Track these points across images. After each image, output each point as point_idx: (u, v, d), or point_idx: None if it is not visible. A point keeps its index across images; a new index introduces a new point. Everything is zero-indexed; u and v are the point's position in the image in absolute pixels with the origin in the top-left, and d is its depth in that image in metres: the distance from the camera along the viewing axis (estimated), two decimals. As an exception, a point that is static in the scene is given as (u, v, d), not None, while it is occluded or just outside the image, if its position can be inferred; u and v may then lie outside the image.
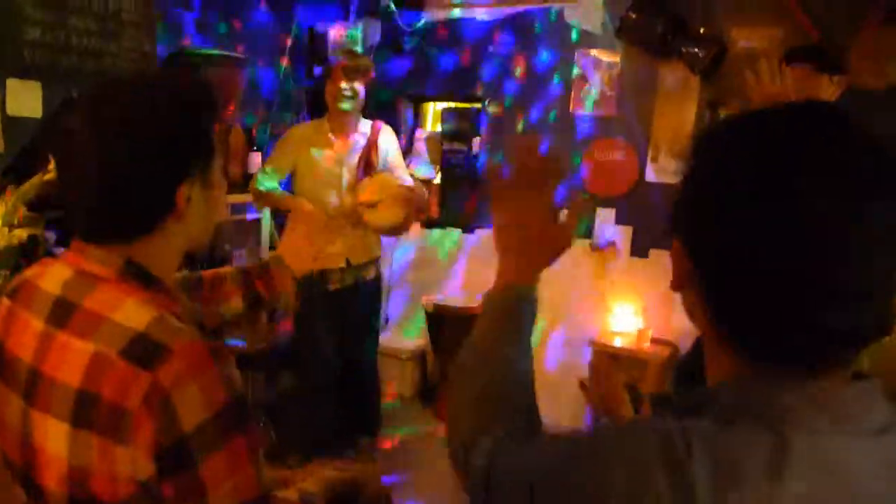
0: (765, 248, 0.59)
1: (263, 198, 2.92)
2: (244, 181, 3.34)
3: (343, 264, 2.90)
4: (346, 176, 2.89)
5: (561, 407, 3.72)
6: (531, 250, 0.92)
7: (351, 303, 2.95)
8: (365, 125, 2.95)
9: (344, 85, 2.79)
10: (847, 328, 0.59)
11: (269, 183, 2.85)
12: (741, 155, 0.63)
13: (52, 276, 0.94)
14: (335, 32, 3.76)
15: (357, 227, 2.90)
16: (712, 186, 0.64)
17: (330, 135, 2.88)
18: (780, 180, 0.59)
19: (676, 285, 0.70)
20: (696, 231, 0.66)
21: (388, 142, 3.02)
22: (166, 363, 0.83)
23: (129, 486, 0.84)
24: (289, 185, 2.98)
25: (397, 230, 2.98)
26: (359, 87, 2.82)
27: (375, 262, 3.05)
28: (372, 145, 2.95)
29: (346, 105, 2.82)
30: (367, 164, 2.94)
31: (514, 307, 0.91)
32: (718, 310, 0.65)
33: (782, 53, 2.25)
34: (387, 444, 3.32)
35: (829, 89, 2.22)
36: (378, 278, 3.08)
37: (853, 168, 0.59)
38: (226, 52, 3.16)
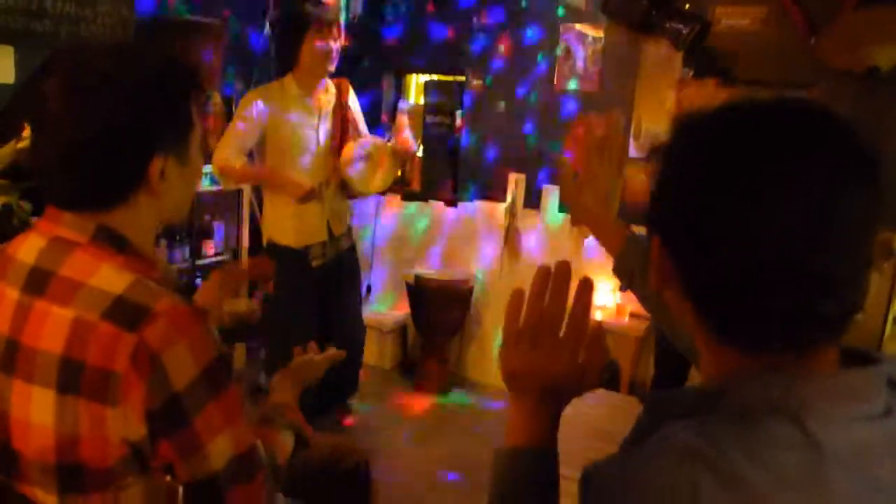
0: (746, 239, 0.59)
1: (235, 176, 2.69)
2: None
3: (325, 237, 2.81)
4: (323, 139, 2.74)
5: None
6: (551, 395, 0.77)
7: (334, 276, 2.88)
8: (329, 83, 2.78)
9: (332, 45, 2.60)
10: (837, 312, 0.60)
11: (238, 160, 2.59)
12: (718, 149, 0.62)
13: (26, 246, 0.93)
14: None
15: (339, 193, 2.83)
16: (689, 182, 0.64)
17: (300, 98, 2.67)
18: (758, 170, 0.59)
19: (658, 284, 0.69)
20: (674, 227, 0.66)
21: (354, 100, 2.90)
22: (151, 324, 0.84)
23: (121, 449, 0.85)
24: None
25: (378, 187, 2.91)
26: (338, 45, 2.64)
27: (349, 230, 2.99)
28: (344, 105, 2.81)
29: (332, 66, 2.64)
30: (344, 124, 2.80)
31: (531, 478, 0.76)
32: (703, 307, 0.65)
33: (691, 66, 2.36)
34: (366, 415, 3.35)
35: (719, 96, 2.39)
36: (353, 246, 3.02)
37: (831, 154, 0.59)
38: (205, 19, 3.09)
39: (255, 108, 2.61)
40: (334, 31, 2.61)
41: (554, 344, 0.77)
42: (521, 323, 0.80)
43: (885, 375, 0.63)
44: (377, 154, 2.78)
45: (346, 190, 2.85)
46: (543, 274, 0.82)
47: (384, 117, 4.13)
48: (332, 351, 1.47)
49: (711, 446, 0.58)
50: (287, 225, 2.75)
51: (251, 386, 3.37)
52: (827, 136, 0.60)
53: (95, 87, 0.88)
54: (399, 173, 2.89)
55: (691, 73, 2.45)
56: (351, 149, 2.75)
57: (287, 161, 2.69)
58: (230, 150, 2.59)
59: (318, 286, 2.84)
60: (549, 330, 0.78)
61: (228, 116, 3.36)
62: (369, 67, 4.01)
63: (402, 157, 2.90)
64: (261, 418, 1.19)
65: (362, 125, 2.93)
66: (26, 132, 2.37)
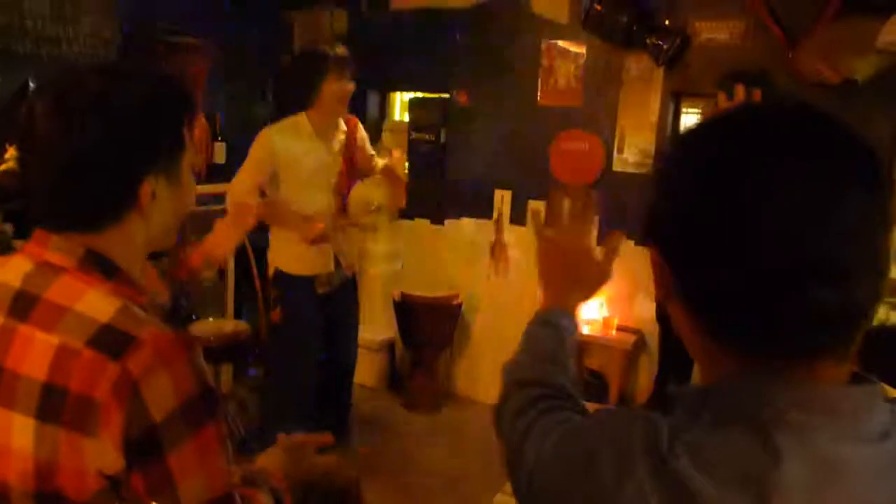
0: (741, 237, 0.58)
1: (252, 213, 2.65)
2: (208, 171, 3.30)
3: (332, 268, 2.84)
4: (334, 178, 2.79)
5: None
6: (571, 283, 0.99)
7: (339, 303, 2.90)
8: (341, 122, 2.82)
9: (350, 85, 2.66)
10: (837, 305, 0.57)
11: (254, 196, 2.65)
12: (715, 153, 0.62)
13: (11, 269, 0.92)
14: (299, 20, 3.72)
15: (347, 228, 2.87)
16: (685, 189, 0.63)
17: (313, 136, 2.72)
18: (756, 172, 0.58)
19: (662, 295, 0.68)
20: (668, 232, 0.66)
21: (364, 136, 2.96)
22: (135, 353, 0.82)
23: (98, 481, 0.83)
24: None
25: (391, 220, 2.98)
26: (352, 86, 2.70)
27: (355, 260, 3.02)
28: (353, 143, 2.87)
29: (346, 108, 2.70)
30: (352, 163, 2.86)
31: (552, 329, 0.94)
32: (701, 312, 0.64)
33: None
34: (355, 435, 3.32)
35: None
36: (356, 274, 3.05)
37: (831, 153, 0.58)
38: (189, 39, 3.09)
39: (268, 146, 2.66)
40: (349, 71, 2.66)
41: (573, 237, 1.02)
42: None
43: (880, 397, 0.61)
44: (388, 197, 2.85)
45: (352, 223, 2.90)
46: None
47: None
48: (321, 436, 1.43)
49: (666, 433, 0.59)
50: (294, 255, 2.78)
51: (234, 438, 3.33)
52: (827, 135, 0.60)
53: (87, 107, 0.88)
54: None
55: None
56: (361, 194, 2.81)
57: (298, 198, 2.72)
58: (245, 188, 2.65)
59: (323, 313, 2.86)
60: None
61: (213, 135, 3.37)
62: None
63: (400, 190, 2.95)
64: (244, 479, 1.14)
65: (371, 155, 2.98)
66: (9, 154, 2.35)
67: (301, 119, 2.71)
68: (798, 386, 0.59)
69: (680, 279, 0.64)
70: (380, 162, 2.99)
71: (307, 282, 2.79)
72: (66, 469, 0.83)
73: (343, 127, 2.83)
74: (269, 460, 1.28)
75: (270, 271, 2.89)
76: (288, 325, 2.82)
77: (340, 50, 2.69)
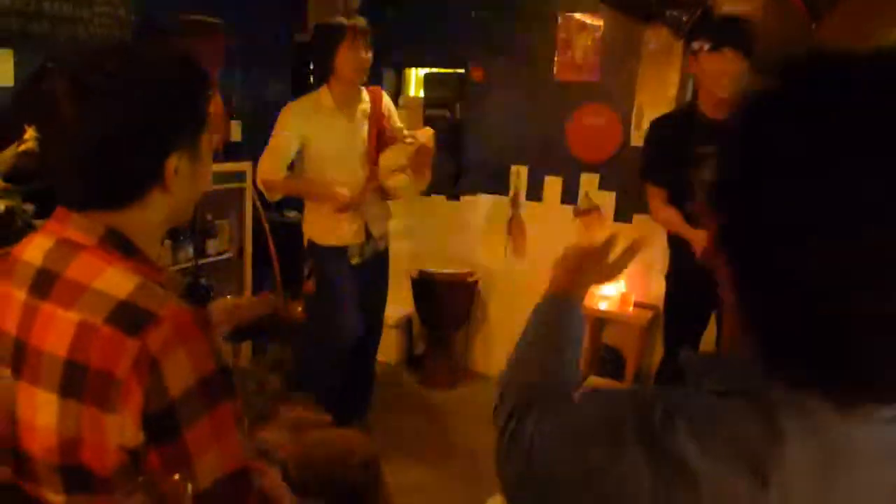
0: (819, 259, 0.49)
1: (281, 189, 2.73)
2: (224, 149, 3.30)
3: (363, 239, 2.85)
4: (360, 149, 2.78)
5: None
6: (580, 273, 1.03)
7: (369, 275, 2.91)
8: (363, 92, 2.82)
9: (366, 54, 2.64)
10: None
11: (280, 173, 2.67)
12: (759, 157, 0.54)
13: (34, 247, 0.93)
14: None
15: (378, 198, 2.87)
16: (763, 172, 0.54)
17: (336, 109, 2.71)
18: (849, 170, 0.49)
19: (709, 258, 0.64)
20: (735, 217, 0.58)
21: (390, 105, 2.95)
22: (154, 329, 0.83)
23: (119, 455, 0.85)
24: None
25: (419, 192, 2.98)
26: (370, 55, 2.68)
27: (387, 231, 3.01)
28: (379, 113, 2.86)
29: (364, 76, 2.68)
30: (381, 132, 2.85)
31: (556, 318, 0.96)
32: (750, 310, 0.59)
33: (705, 37, 2.33)
34: (374, 410, 3.36)
35: (745, 73, 2.31)
36: (387, 249, 3.04)
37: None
38: (205, 18, 3.08)
39: (293, 121, 2.68)
40: (366, 41, 2.66)
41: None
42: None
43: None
44: (414, 162, 2.81)
45: (384, 193, 2.87)
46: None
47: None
48: (320, 415, 1.44)
49: (661, 407, 0.59)
50: (326, 227, 2.81)
51: (257, 412, 3.38)
52: None
53: (108, 88, 0.88)
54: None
55: (707, 46, 2.39)
56: (388, 158, 2.79)
57: (325, 170, 2.73)
58: (272, 164, 2.66)
59: (356, 284, 2.87)
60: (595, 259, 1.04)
61: (228, 113, 3.37)
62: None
63: (429, 159, 2.90)
64: (256, 450, 1.16)
65: (399, 126, 2.96)
66: (28, 135, 2.37)
67: (322, 93, 2.72)
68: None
69: (734, 263, 0.59)
70: (408, 133, 2.97)
71: (340, 253, 2.81)
72: (89, 444, 0.84)
73: (366, 97, 2.83)
74: (270, 435, 1.29)
75: (305, 242, 2.91)
76: (321, 296, 2.86)
77: (356, 20, 2.68)
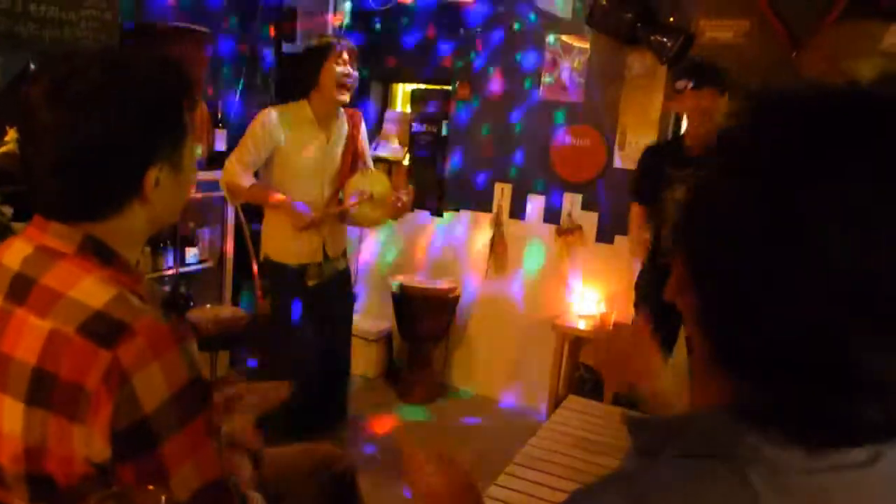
0: (794, 291, 0.47)
1: (243, 195, 2.69)
2: (209, 159, 3.29)
3: (321, 259, 2.82)
4: (330, 168, 2.77)
5: (524, 388, 3.78)
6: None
7: (327, 296, 2.88)
8: (343, 113, 2.82)
9: (350, 70, 2.65)
10: (881, 420, 0.49)
11: (247, 178, 2.63)
12: (738, 172, 0.52)
13: (12, 252, 0.92)
14: (302, 9, 3.71)
15: (340, 222, 2.86)
16: (733, 205, 0.51)
17: (313, 123, 2.71)
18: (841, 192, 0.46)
19: (672, 295, 0.61)
20: (703, 254, 0.55)
21: (364, 131, 2.96)
22: (127, 342, 0.82)
23: (85, 468, 0.83)
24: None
25: (382, 224, 3.00)
26: (355, 74, 2.69)
27: (345, 252, 3.01)
28: (356, 137, 2.86)
29: (347, 96, 2.68)
30: (354, 155, 2.85)
31: None
32: (712, 334, 0.56)
33: (687, 77, 2.55)
34: (352, 424, 3.33)
35: (723, 107, 2.59)
36: (348, 268, 3.04)
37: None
38: (190, 26, 3.08)
39: (269, 126, 2.64)
40: (353, 59, 2.68)
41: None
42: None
43: None
44: (380, 196, 2.81)
45: (343, 217, 2.87)
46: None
47: (371, 124, 4.13)
48: (277, 385, 1.42)
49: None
50: (284, 244, 2.77)
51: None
52: None
53: (88, 99, 0.86)
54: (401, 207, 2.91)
55: (690, 85, 2.59)
56: (356, 184, 2.79)
57: (293, 181, 2.70)
58: (240, 168, 2.62)
59: (315, 305, 2.84)
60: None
61: (214, 122, 3.36)
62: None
63: (399, 212, 2.91)
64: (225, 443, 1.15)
65: (369, 158, 2.98)
66: (9, 136, 2.35)
67: (302, 105, 2.71)
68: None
69: (698, 292, 0.56)
70: (373, 170, 2.98)
71: (295, 272, 2.77)
72: (55, 454, 0.83)
73: (344, 118, 2.82)
74: (237, 425, 1.26)
75: (261, 256, 2.88)
76: (276, 314, 2.82)
77: (342, 39, 2.72)
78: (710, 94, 2.61)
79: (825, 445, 0.52)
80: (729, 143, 0.55)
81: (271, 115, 2.66)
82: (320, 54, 2.64)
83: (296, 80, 2.78)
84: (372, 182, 2.82)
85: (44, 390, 0.82)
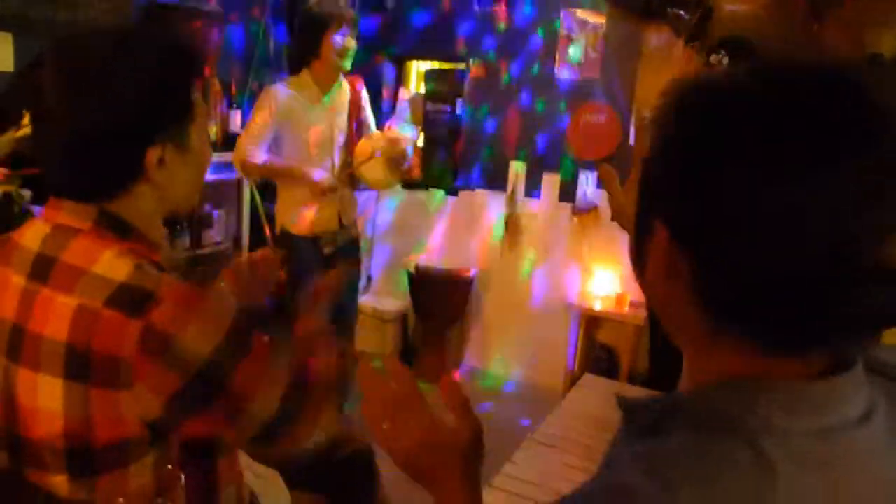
0: (781, 219, 0.50)
1: (259, 171, 2.75)
2: (224, 140, 3.29)
3: (336, 226, 2.87)
4: (339, 137, 2.82)
5: (539, 366, 3.79)
6: (434, 474, 0.72)
7: (339, 262, 2.92)
8: (344, 81, 2.86)
9: (350, 39, 2.68)
10: (881, 307, 0.51)
11: (260, 154, 2.67)
12: (746, 111, 0.53)
13: (32, 233, 0.93)
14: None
15: (350, 187, 2.90)
16: (708, 149, 0.54)
17: (317, 94, 2.74)
18: (798, 139, 0.51)
19: (659, 279, 0.59)
20: (684, 206, 0.56)
21: (366, 98, 2.99)
22: (157, 308, 0.83)
23: (136, 426, 0.86)
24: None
25: (391, 184, 3.01)
26: (355, 43, 2.72)
27: (356, 220, 3.05)
28: (358, 103, 2.90)
29: (348, 63, 2.71)
30: (358, 121, 2.89)
31: None
32: (719, 303, 0.56)
33: (724, 51, 2.44)
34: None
35: None
36: (358, 236, 3.08)
37: (878, 130, 0.51)
38: (202, 6, 3.07)
39: (275, 102, 2.67)
40: (352, 29, 2.69)
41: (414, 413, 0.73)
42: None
43: (862, 378, 0.57)
44: (388, 153, 2.82)
45: (355, 183, 2.91)
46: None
47: (385, 104, 4.11)
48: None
49: (660, 488, 0.52)
50: (300, 214, 2.81)
51: None
52: (875, 111, 0.52)
53: (92, 75, 0.87)
54: (408, 169, 2.94)
55: (725, 60, 2.50)
56: (364, 146, 2.82)
57: (302, 154, 2.74)
58: (251, 145, 2.66)
59: (328, 270, 2.88)
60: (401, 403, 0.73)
61: (228, 102, 3.36)
62: (368, 56, 3.99)
63: (404, 154, 2.93)
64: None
65: (372, 122, 3.01)
66: (26, 120, 2.36)
67: (304, 76, 2.74)
68: (783, 388, 0.55)
69: (696, 263, 0.56)
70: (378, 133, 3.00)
71: (311, 242, 2.82)
72: (102, 422, 0.85)
73: (346, 86, 2.85)
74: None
75: (277, 229, 2.91)
76: (296, 282, 2.86)
77: (342, 9, 2.72)
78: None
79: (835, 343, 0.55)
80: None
81: (276, 90, 2.70)
82: (320, 25, 2.66)
83: (296, 50, 2.79)
84: (375, 142, 2.85)
85: (80, 365, 0.83)
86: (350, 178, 2.87)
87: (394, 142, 2.85)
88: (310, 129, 2.74)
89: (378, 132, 2.97)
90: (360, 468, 1.55)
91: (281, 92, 2.70)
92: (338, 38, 2.64)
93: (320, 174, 2.71)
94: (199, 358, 0.84)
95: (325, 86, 2.76)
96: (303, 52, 2.73)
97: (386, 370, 0.75)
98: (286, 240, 2.85)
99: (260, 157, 2.66)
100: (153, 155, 0.91)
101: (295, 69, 2.77)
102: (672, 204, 0.57)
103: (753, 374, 0.56)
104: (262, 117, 2.67)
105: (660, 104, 0.59)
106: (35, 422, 0.87)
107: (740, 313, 0.55)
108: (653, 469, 0.54)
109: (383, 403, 0.72)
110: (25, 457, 0.89)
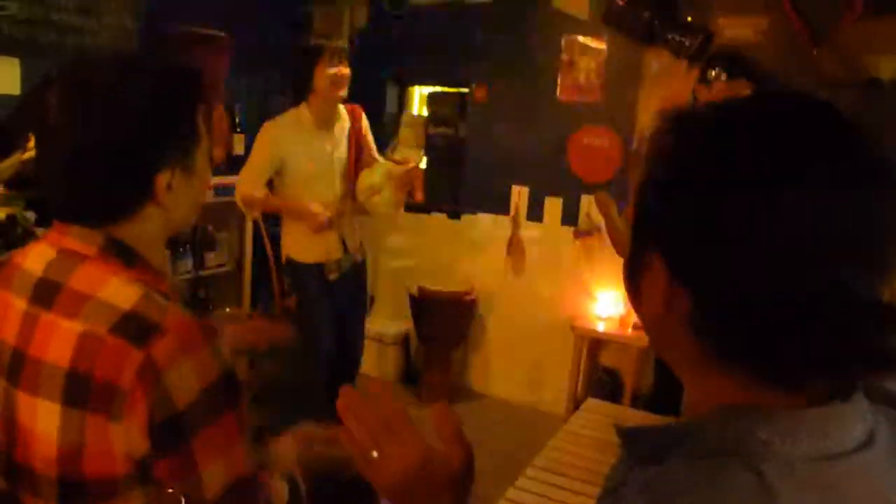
0: (781, 254, 0.51)
1: (259, 206, 2.82)
2: (228, 162, 3.32)
3: (340, 254, 2.89)
4: (338, 166, 2.84)
5: (542, 390, 3.76)
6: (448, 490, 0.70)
7: (347, 288, 2.95)
8: (342, 110, 2.88)
9: (342, 69, 2.70)
10: (880, 344, 0.52)
11: (259, 190, 2.72)
12: (741, 143, 0.54)
13: (34, 257, 0.93)
14: (319, 13, 3.73)
15: (354, 215, 2.92)
16: (704, 181, 0.54)
17: (315, 126, 2.77)
18: (790, 171, 0.51)
19: (656, 308, 0.59)
20: (682, 241, 0.56)
21: (366, 125, 3.00)
22: (159, 340, 0.83)
23: (124, 464, 0.84)
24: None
25: (396, 209, 3.04)
26: (348, 72, 2.75)
27: (361, 244, 3.06)
28: (358, 131, 2.92)
29: (344, 91, 2.73)
30: (359, 151, 2.91)
31: None
32: (717, 330, 0.56)
33: (721, 67, 2.46)
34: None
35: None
36: (364, 260, 3.09)
37: (862, 163, 0.53)
38: (209, 31, 3.11)
39: (272, 139, 2.73)
40: (344, 59, 2.72)
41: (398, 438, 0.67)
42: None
43: (864, 405, 0.57)
44: (391, 181, 2.86)
45: (359, 209, 2.93)
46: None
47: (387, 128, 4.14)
48: (332, 430, 1.43)
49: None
50: (304, 244, 2.85)
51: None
52: (859, 143, 0.54)
53: (97, 100, 0.87)
54: (410, 193, 2.99)
55: (724, 76, 2.50)
56: (366, 177, 2.85)
57: (304, 187, 2.77)
58: (251, 182, 2.72)
59: (335, 298, 2.93)
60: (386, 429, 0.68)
61: (232, 127, 3.39)
62: (371, 81, 4.03)
63: (408, 182, 2.99)
64: (263, 461, 1.15)
65: (374, 150, 3.03)
66: (31, 143, 2.38)
67: (301, 110, 2.76)
68: (782, 415, 0.55)
69: (695, 298, 0.56)
70: (382, 160, 3.03)
71: (317, 269, 2.85)
72: (93, 453, 0.84)
73: (344, 115, 2.87)
74: (280, 448, 1.28)
75: (283, 259, 2.96)
76: (302, 313, 2.94)
77: (332, 41, 2.78)
78: (742, 86, 2.54)
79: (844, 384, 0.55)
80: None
81: (274, 127, 2.75)
82: (311, 58, 2.70)
83: (293, 84, 2.84)
84: (380, 174, 2.86)
85: (80, 391, 0.83)
86: (353, 204, 2.89)
87: (401, 162, 2.88)
88: (308, 161, 2.76)
89: (380, 162, 2.98)
90: (363, 490, 1.53)
91: (276, 131, 2.74)
92: (329, 70, 2.67)
93: (317, 210, 2.73)
94: (177, 403, 0.83)
95: (323, 116, 2.78)
96: (298, 85, 2.77)
97: (373, 395, 0.70)
98: (292, 268, 2.91)
99: (259, 193, 2.72)
100: (163, 179, 0.91)
101: (296, 101, 2.81)
102: (670, 238, 0.57)
103: (753, 402, 0.56)
104: (260, 156, 2.74)
105: (653, 130, 0.59)
106: (32, 446, 0.86)
107: (740, 347, 0.56)
108: (657, 500, 0.54)
109: (370, 431, 0.67)
110: (21, 482, 0.89)
